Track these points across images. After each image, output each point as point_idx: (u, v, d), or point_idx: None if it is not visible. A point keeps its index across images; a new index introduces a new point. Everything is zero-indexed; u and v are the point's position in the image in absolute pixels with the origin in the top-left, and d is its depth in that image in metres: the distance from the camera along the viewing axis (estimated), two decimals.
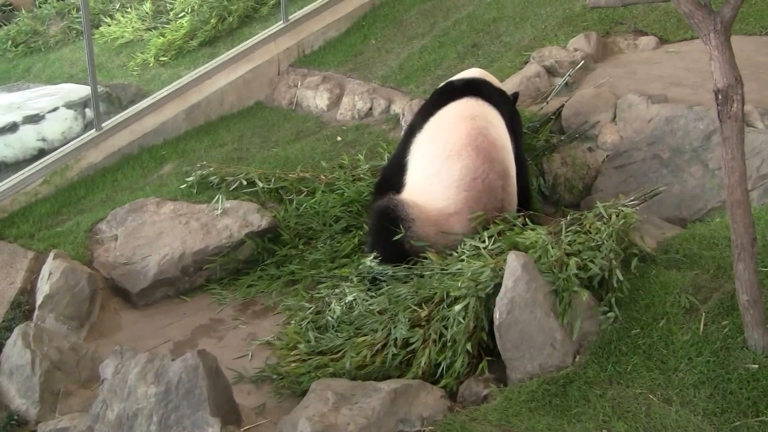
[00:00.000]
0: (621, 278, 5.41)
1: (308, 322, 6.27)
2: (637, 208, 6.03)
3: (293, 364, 5.91)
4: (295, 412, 5.17)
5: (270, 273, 7.04)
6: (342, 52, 10.17)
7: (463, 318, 5.48)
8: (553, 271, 5.37)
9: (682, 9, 4.78)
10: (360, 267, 6.49)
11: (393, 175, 6.90)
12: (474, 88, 6.95)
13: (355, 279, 6.42)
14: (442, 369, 5.49)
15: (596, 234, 5.63)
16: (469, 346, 5.44)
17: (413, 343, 5.62)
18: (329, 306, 6.26)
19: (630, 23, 8.94)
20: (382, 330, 5.78)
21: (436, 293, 5.78)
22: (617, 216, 5.75)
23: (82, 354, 6.06)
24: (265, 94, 10.05)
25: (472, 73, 7.32)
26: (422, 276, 6.08)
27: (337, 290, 6.41)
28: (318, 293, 6.55)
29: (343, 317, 6.10)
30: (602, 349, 5.20)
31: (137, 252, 7.06)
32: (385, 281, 6.26)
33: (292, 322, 6.38)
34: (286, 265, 7.05)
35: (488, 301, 5.49)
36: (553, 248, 5.51)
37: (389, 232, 6.33)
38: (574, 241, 5.64)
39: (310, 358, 5.90)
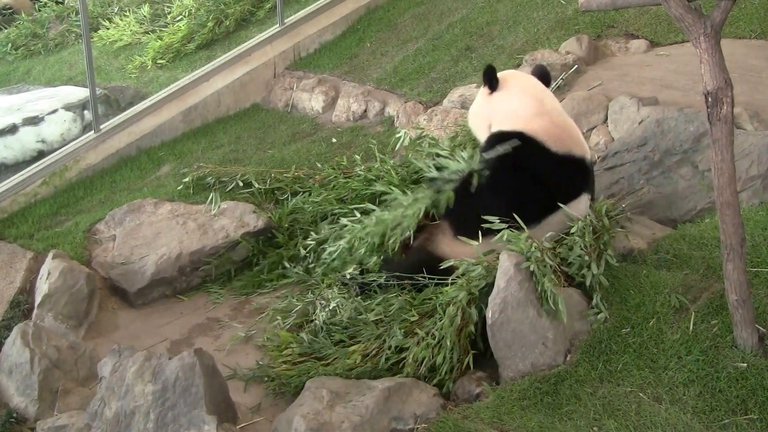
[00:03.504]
0: (596, 271, 5.47)
1: (296, 325, 6.31)
2: (625, 206, 6.10)
3: (284, 366, 5.94)
4: (290, 410, 5.20)
5: (264, 273, 7.07)
6: (337, 55, 10.22)
7: (451, 314, 5.50)
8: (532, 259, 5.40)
9: (672, 12, 4.80)
10: (343, 276, 6.46)
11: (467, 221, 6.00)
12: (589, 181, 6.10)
13: (336, 289, 6.38)
14: (435, 368, 5.50)
15: (573, 230, 5.71)
16: (449, 342, 5.44)
17: (406, 348, 5.64)
18: (315, 310, 6.27)
19: (621, 26, 8.99)
20: (376, 339, 5.80)
21: (430, 303, 5.80)
22: (593, 210, 5.84)
23: (81, 353, 6.11)
24: (261, 96, 10.10)
25: (582, 145, 6.12)
26: (416, 286, 6.06)
27: (321, 294, 6.38)
28: (305, 297, 6.52)
29: (334, 319, 6.11)
30: (593, 348, 5.23)
31: (135, 252, 7.10)
32: (375, 291, 6.23)
33: (278, 323, 6.39)
34: (278, 265, 7.08)
35: (480, 300, 5.52)
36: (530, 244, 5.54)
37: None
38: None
39: (301, 361, 5.92)
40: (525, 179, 5.91)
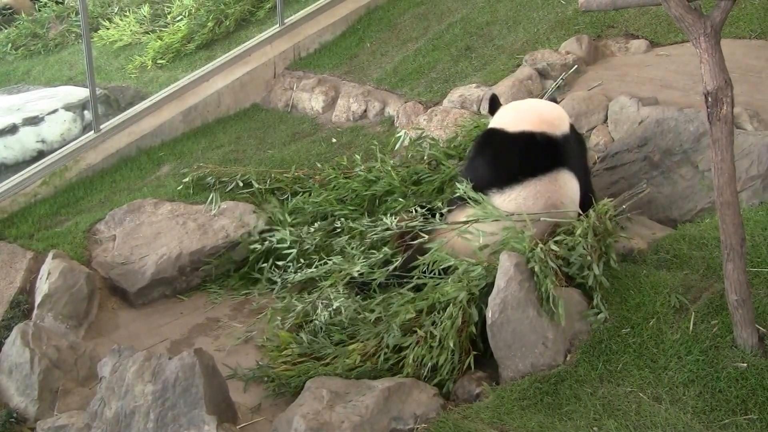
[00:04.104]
0: (598, 272, 5.47)
1: (296, 325, 6.31)
2: (625, 207, 6.09)
3: (283, 366, 5.94)
4: (290, 410, 5.20)
5: (264, 273, 7.05)
6: (337, 55, 10.21)
7: (452, 315, 5.50)
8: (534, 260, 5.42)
9: (672, 13, 4.81)
10: (346, 275, 6.43)
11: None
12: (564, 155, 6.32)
13: (340, 288, 6.37)
14: (435, 367, 5.49)
15: (574, 231, 5.71)
16: (452, 343, 5.44)
17: (405, 347, 5.63)
18: (316, 310, 6.25)
19: (621, 26, 9.00)
20: (375, 338, 5.80)
21: (429, 301, 5.79)
22: (594, 211, 5.83)
23: (81, 353, 6.10)
24: (261, 96, 10.10)
25: (562, 120, 6.50)
26: (416, 286, 6.05)
27: (323, 295, 6.36)
28: (304, 298, 6.50)
29: (334, 320, 6.11)
30: (593, 348, 5.23)
31: (135, 252, 7.10)
32: (374, 290, 6.25)
33: (279, 324, 6.38)
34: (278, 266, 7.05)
35: (480, 300, 5.52)
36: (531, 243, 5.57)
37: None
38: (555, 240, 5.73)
39: (300, 361, 5.92)
40: (486, 154, 6.48)
